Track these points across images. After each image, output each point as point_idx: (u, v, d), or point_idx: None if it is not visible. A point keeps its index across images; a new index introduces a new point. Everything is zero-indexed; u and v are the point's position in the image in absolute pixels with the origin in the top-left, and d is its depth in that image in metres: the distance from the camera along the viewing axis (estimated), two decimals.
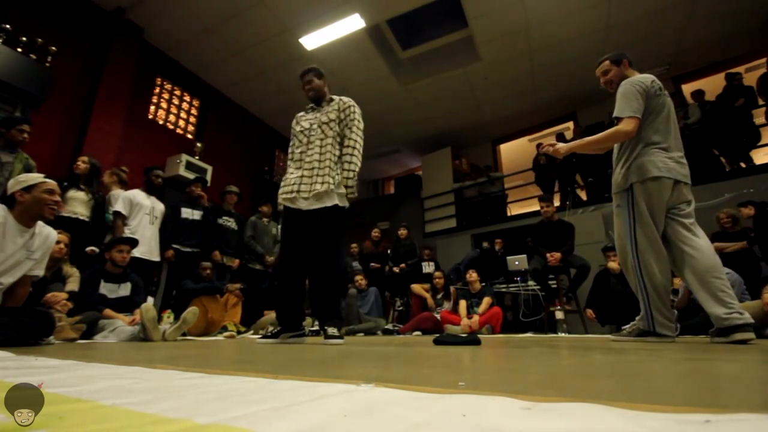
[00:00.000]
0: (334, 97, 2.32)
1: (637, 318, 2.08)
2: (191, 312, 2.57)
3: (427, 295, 4.75)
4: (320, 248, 2.11)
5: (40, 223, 1.91)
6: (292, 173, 2.22)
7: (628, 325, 2.14)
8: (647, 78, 2.03)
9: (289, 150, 2.36)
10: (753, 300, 2.80)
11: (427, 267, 5.35)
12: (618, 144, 2.10)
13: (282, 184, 2.25)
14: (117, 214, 3.36)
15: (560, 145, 2.18)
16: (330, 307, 2.11)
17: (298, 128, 2.31)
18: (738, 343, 1.66)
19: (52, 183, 1.89)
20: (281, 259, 2.22)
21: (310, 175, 2.14)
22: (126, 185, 3.70)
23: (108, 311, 2.61)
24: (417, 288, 4.88)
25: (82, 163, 3.35)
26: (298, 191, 2.13)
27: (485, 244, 5.76)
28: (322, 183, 2.10)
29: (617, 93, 2.04)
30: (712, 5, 4.95)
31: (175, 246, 3.76)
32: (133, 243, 2.96)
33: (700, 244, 1.88)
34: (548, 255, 4.02)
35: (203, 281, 3.66)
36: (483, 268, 4.86)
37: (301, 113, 2.40)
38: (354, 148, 2.21)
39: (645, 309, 1.97)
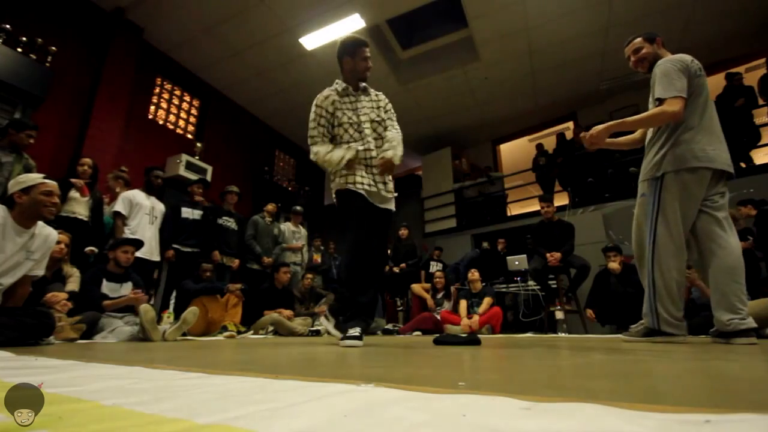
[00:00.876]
0: (369, 88, 2.14)
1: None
2: (191, 312, 2.57)
3: (427, 296, 4.75)
4: (381, 248, 2.08)
5: (40, 223, 1.90)
6: (357, 170, 1.96)
7: (636, 324, 2.05)
8: (686, 57, 1.88)
9: (319, 129, 2.01)
10: (753, 300, 2.80)
11: (434, 267, 5.37)
12: (653, 128, 1.94)
13: (341, 169, 1.95)
14: (117, 214, 3.36)
15: (596, 128, 1.97)
16: (372, 307, 2.07)
17: (344, 118, 2.00)
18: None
19: (51, 184, 1.88)
20: (360, 251, 1.91)
21: (382, 180, 2.02)
22: (130, 185, 3.71)
23: (107, 302, 2.60)
24: (417, 288, 4.89)
25: (88, 168, 3.36)
26: (377, 190, 1.98)
27: (485, 245, 5.76)
28: (390, 186, 2.07)
29: (655, 73, 1.89)
30: (712, 5, 4.95)
31: (175, 246, 3.76)
32: (138, 244, 2.98)
33: (729, 243, 1.78)
34: (548, 255, 4.02)
35: (203, 281, 3.67)
36: (483, 268, 4.87)
37: (332, 93, 2.04)
38: (398, 138, 2.09)
39: (650, 305, 1.87)
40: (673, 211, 1.82)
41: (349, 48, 2.03)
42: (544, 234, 4.24)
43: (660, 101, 1.81)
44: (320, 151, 1.98)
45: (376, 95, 2.14)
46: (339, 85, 2.07)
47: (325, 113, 2.01)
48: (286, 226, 4.99)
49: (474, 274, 4.48)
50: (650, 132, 1.99)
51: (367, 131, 2.01)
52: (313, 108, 2.03)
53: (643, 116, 1.87)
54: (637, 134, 2.17)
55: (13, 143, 2.85)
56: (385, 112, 2.14)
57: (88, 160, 3.42)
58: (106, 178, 3.79)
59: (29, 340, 1.70)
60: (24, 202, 1.80)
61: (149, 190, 3.66)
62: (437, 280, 4.74)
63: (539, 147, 7.15)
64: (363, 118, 2.02)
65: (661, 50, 2.00)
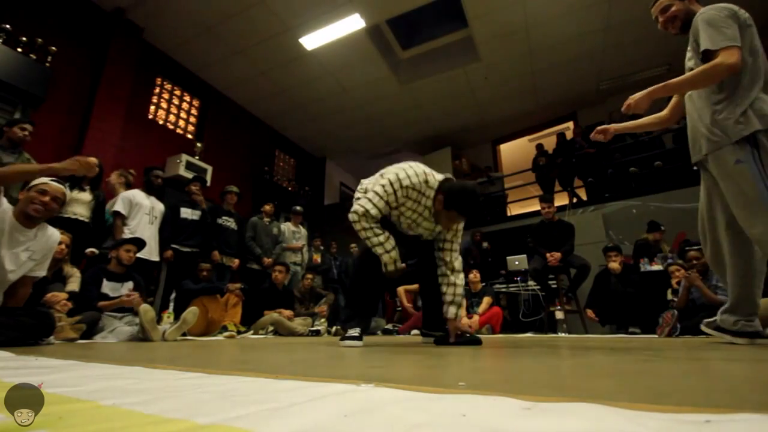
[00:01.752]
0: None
1: None
2: (191, 312, 2.57)
3: (405, 298, 4.70)
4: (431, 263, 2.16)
5: (43, 223, 1.90)
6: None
7: None
8: (732, 5, 1.59)
9: (381, 202, 1.84)
10: None
11: None
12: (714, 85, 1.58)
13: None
14: (116, 214, 3.36)
15: (633, 96, 1.73)
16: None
17: (403, 217, 2.01)
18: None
19: (51, 185, 1.86)
20: (368, 261, 2.03)
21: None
22: (131, 188, 3.70)
23: (103, 303, 2.60)
24: (400, 291, 4.83)
25: (96, 167, 3.34)
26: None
27: (477, 237, 5.74)
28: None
29: (696, 24, 1.61)
30: (711, 5, 4.95)
31: (174, 246, 3.76)
32: (141, 244, 2.98)
33: None
34: (548, 255, 4.02)
35: (202, 281, 3.66)
36: (478, 264, 4.87)
37: (421, 186, 1.87)
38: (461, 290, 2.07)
39: None
40: None
41: (464, 209, 1.83)
42: (544, 234, 4.24)
43: (709, 53, 1.50)
44: (373, 234, 1.87)
45: (455, 234, 2.06)
46: (431, 189, 1.89)
47: (397, 197, 1.86)
48: (286, 226, 4.99)
49: (476, 275, 4.48)
50: (698, 98, 1.65)
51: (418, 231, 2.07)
52: (392, 182, 1.83)
53: (693, 74, 1.55)
54: (666, 112, 1.93)
55: (11, 141, 2.85)
56: (455, 234, 2.08)
57: (94, 160, 3.41)
58: (110, 175, 3.78)
59: (29, 340, 1.70)
60: (21, 200, 1.81)
61: (149, 190, 3.66)
62: None
63: (539, 147, 7.14)
64: (419, 227, 2.06)
65: (695, 6, 1.75)
